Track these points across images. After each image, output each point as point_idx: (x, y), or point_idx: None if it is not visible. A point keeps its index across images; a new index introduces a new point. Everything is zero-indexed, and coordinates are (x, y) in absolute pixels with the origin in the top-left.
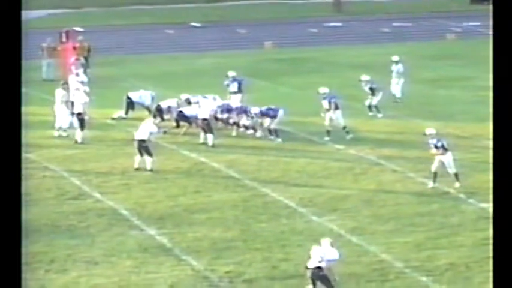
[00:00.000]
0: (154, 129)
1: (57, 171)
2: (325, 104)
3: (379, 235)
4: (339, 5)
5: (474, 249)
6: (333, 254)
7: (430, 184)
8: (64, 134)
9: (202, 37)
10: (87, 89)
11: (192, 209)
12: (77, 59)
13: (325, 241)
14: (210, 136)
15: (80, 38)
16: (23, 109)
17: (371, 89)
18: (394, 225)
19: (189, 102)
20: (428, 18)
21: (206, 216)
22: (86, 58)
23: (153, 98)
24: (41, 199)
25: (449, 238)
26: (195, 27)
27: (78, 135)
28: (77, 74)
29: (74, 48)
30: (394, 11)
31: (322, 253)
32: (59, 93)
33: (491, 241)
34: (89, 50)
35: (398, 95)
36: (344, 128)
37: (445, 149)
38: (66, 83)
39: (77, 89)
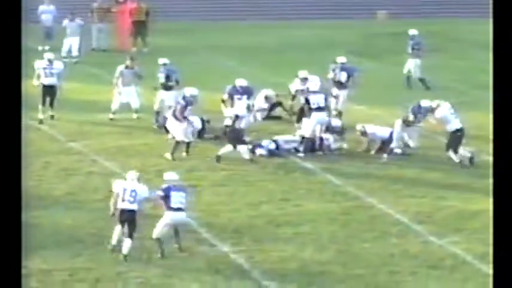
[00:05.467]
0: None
1: (107, 167)
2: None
3: None
4: None
5: None
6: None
7: None
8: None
9: (299, 1)
10: None
11: (277, 221)
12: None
13: (131, 174)
14: None
15: None
16: (67, 85)
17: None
18: None
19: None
20: None
21: (295, 230)
22: (144, 23)
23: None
24: (86, 201)
25: None
26: None
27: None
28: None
29: (131, 10)
30: None
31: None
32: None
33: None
34: (147, 13)
35: None
36: None
37: None
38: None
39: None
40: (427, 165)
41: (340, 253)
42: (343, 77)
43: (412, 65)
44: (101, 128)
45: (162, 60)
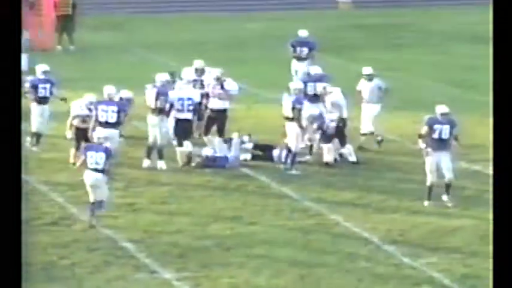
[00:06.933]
0: None
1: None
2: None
3: None
4: None
5: None
6: None
7: None
8: None
9: None
10: None
11: (227, 242)
12: None
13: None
14: None
15: None
16: None
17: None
18: None
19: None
20: None
21: (248, 253)
22: (70, 17)
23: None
24: None
25: None
26: None
27: None
28: None
29: (56, 2)
30: None
31: None
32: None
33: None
34: (74, 6)
35: None
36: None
37: None
38: None
39: None
40: (399, 175)
41: (301, 279)
42: (318, 88)
43: (298, 68)
44: None
45: (42, 67)
